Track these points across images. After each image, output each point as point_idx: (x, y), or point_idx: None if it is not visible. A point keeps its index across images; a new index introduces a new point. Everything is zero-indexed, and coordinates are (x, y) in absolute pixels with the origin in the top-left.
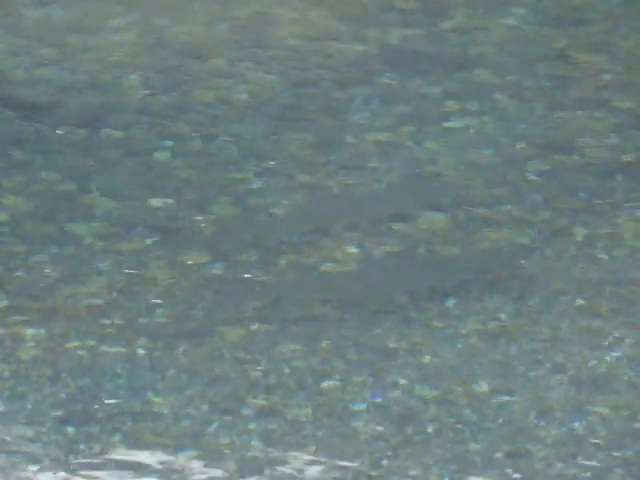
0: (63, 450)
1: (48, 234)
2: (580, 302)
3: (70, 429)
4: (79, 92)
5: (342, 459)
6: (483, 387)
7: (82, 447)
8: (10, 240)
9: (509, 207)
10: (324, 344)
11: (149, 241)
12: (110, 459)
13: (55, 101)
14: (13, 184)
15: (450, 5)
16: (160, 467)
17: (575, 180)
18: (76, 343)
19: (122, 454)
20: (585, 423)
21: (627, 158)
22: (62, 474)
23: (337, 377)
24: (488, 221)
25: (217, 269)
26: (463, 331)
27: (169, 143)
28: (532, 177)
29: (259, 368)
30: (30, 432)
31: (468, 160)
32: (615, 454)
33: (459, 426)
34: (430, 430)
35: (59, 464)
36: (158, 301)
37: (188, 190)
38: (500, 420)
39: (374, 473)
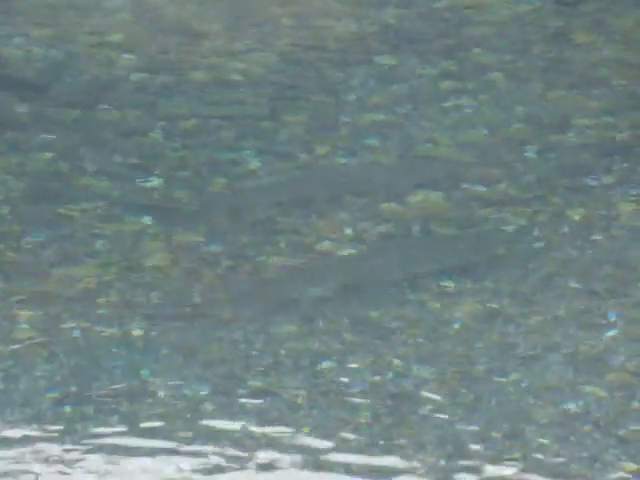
0: (59, 430)
1: (42, 215)
2: (576, 283)
3: (66, 409)
4: (74, 72)
5: (338, 440)
6: (479, 368)
7: (78, 427)
8: (4, 221)
9: (505, 186)
10: (321, 325)
11: (144, 221)
12: (106, 440)
13: (49, 81)
14: (7, 164)
15: None
16: (156, 448)
17: (571, 160)
18: (71, 324)
19: (118, 435)
20: (581, 403)
21: (623, 137)
22: (58, 454)
23: (334, 358)
24: (484, 201)
25: (212, 249)
26: (459, 312)
27: (163, 123)
28: (528, 157)
29: (255, 349)
30: (26, 412)
31: (464, 140)
32: (610, 434)
33: (455, 407)
34: (426, 410)
35: (56, 444)
36: (153, 282)
37: (183, 170)
38: (496, 401)
39: (370, 453)
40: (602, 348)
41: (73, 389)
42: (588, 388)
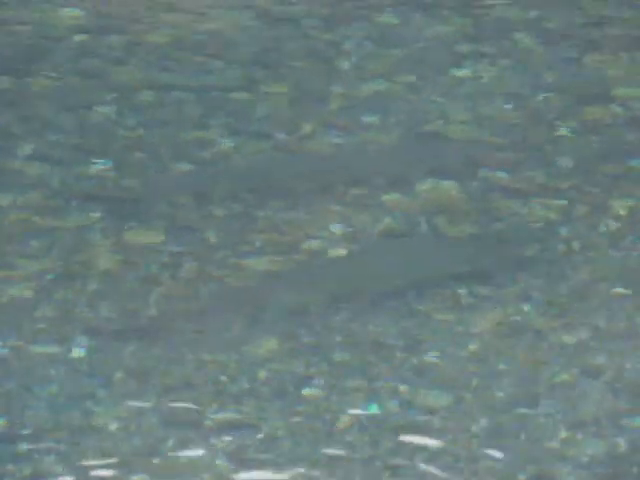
0: None
1: None
2: (620, 290)
3: None
4: (3, 32)
5: None
6: (501, 395)
7: (10, 468)
8: None
9: (533, 173)
10: (306, 342)
11: (90, 216)
12: None
13: None
14: None
15: None
16: None
17: (614, 139)
18: None
19: (57, 478)
20: (627, 439)
21: None
22: None
23: (322, 382)
24: (507, 191)
25: (174, 250)
26: (477, 326)
27: (114, 95)
28: (561, 136)
29: (226, 372)
30: None
31: (482, 116)
32: None
33: (472, 442)
34: (436, 447)
35: None
36: (101, 290)
37: (138, 153)
38: (522, 435)
39: None
40: None
41: (1, 422)
42: (637, 421)
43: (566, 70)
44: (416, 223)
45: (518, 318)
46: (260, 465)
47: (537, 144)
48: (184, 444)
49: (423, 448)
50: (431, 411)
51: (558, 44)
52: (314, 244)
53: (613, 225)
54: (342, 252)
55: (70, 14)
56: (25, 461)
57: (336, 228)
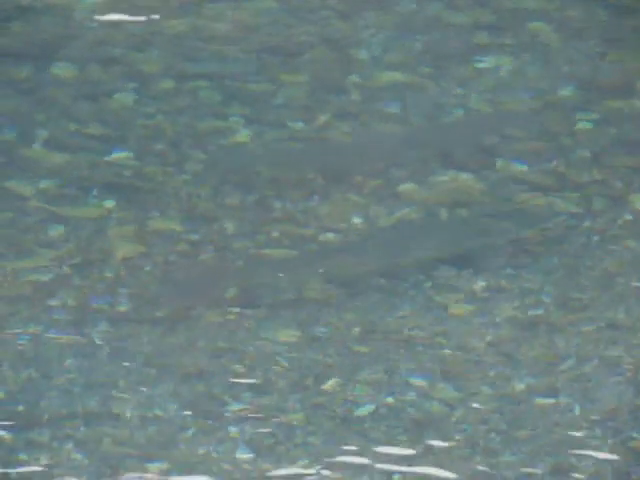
0: (1, 461)
1: None
2: (639, 283)
3: (7, 435)
4: (22, 19)
5: (346, 474)
6: (519, 386)
7: (24, 457)
8: None
9: (553, 165)
10: (322, 332)
11: (108, 204)
12: (60, 473)
13: None
14: None
15: None
16: None
17: (635, 132)
18: (18, 329)
19: (74, 466)
20: None
21: None
22: None
23: (338, 373)
24: (526, 183)
25: (192, 238)
26: (494, 319)
27: (133, 84)
28: (581, 128)
29: (243, 362)
30: None
31: (501, 107)
32: None
33: (490, 435)
34: (454, 440)
35: None
36: (120, 278)
37: (156, 142)
38: (540, 427)
39: None
40: None
41: (20, 409)
42: None
43: (587, 62)
44: (434, 215)
45: (536, 311)
46: (277, 456)
47: (557, 135)
48: (201, 434)
49: (439, 441)
50: (448, 403)
51: (579, 36)
52: (330, 236)
53: (631, 218)
54: (359, 241)
55: (90, 3)
56: (43, 448)
57: (353, 219)
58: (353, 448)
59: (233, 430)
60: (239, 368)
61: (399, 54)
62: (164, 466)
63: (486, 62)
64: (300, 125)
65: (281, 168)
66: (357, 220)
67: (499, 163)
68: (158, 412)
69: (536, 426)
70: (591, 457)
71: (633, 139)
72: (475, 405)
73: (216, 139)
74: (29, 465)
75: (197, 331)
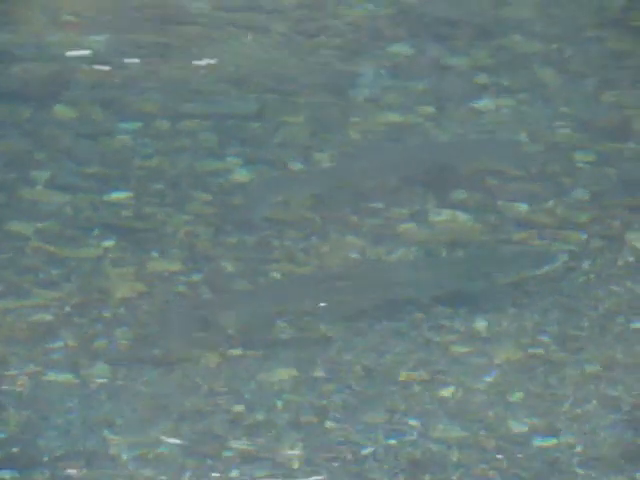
0: None
1: None
2: (638, 324)
3: (8, 475)
4: (22, 61)
5: None
6: (519, 429)
7: None
8: None
9: (551, 205)
10: (322, 372)
11: (107, 244)
12: None
13: None
14: None
15: None
16: None
17: (631, 172)
18: (16, 370)
19: None
20: None
21: None
22: None
23: (338, 413)
24: (524, 222)
25: (192, 280)
26: (494, 359)
27: (131, 124)
28: (579, 168)
29: (242, 402)
30: None
31: (501, 147)
32: None
33: (490, 474)
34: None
35: None
36: (118, 319)
37: (155, 182)
38: (540, 468)
39: None
40: None
41: (18, 449)
42: None
43: (584, 103)
44: (432, 254)
45: (536, 350)
46: None
47: (555, 175)
48: (199, 475)
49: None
50: (448, 444)
51: (576, 78)
52: (330, 273)
53: (629, 257)
54: (359, 279)
55: (88, 44)
56: None
57: (352, 256)
58: None
59: (233, 471)
60: (238, 408)
61: (397, 95)
62: None
63: (484, 103)
64: (299, 165)
65: (281, 207)
66: (355, 257)
67: (498, 202)
68: (157, 452)
69: (536, 466)
70: None
71: (632, 179)
72: (475, 445)
73: (214, 179)
74: None
75: (196, 371)
